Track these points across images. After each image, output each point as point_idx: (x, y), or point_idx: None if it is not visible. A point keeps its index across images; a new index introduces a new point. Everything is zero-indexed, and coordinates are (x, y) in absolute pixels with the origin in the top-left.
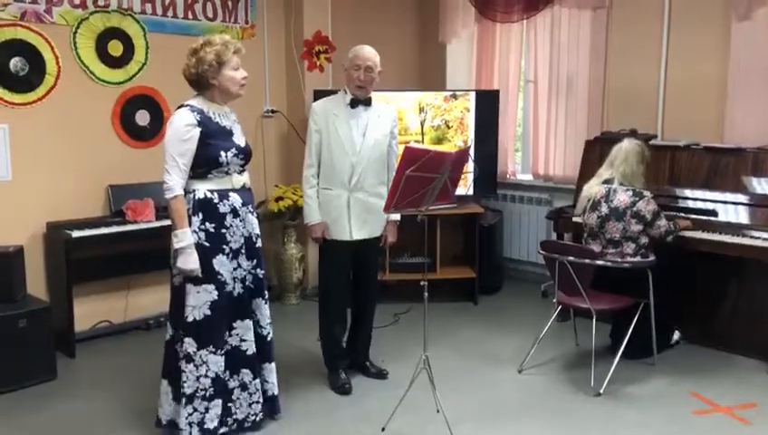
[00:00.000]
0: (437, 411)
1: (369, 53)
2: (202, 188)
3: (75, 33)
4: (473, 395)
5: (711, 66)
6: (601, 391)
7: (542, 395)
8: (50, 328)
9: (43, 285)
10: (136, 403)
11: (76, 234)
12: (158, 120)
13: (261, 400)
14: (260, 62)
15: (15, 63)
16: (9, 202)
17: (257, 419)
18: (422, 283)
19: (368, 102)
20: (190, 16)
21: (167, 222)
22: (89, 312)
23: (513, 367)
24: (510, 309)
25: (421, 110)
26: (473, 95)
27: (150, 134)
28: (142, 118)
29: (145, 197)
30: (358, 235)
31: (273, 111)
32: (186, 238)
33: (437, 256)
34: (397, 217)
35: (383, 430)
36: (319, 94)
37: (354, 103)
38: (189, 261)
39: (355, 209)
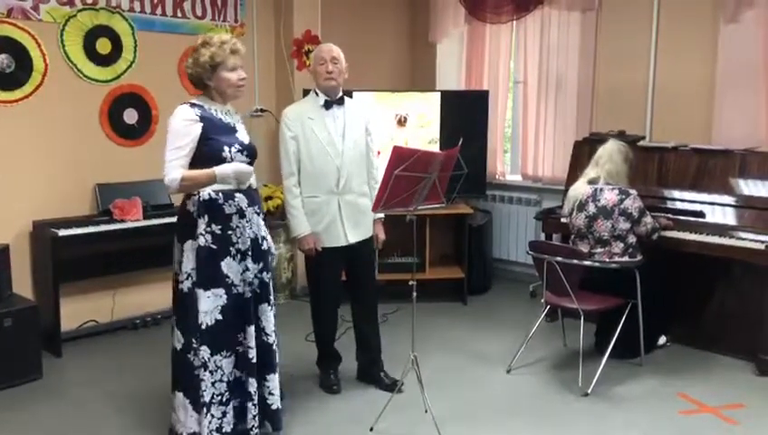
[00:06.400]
0: (426, 411)
1: (331, 45)
2: (207, 189)
3: (63, 30)
4: (461, 395)
5: (699, 68)
6: (589, 391)
7: (530, 395)
8: (36, 327)
9: (29, 284)
10: (122, 403)
11: (63, 232)
12: (147, 118)
13: (257, 413)
14: (249, 61)
15: (2, 61)
16: None
17: (258, 432)
18: (411, 283)
19: (341, 102)
20: (179, 14)
21: (154, 221)
22: (75, 311)
23: (501, 367)
24: (498, 309)
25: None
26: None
27: (138, 133)
28: (130, 116)
29: (133, 196)
30: (353, 238)
31: (262, 111)
32: (222, 169)
33: (426, 256)
34: (381, 214)
35: (371, 430)
36: (308, 94)
37: (328, 105)
38: (238, 166)
39: (347, 213)
